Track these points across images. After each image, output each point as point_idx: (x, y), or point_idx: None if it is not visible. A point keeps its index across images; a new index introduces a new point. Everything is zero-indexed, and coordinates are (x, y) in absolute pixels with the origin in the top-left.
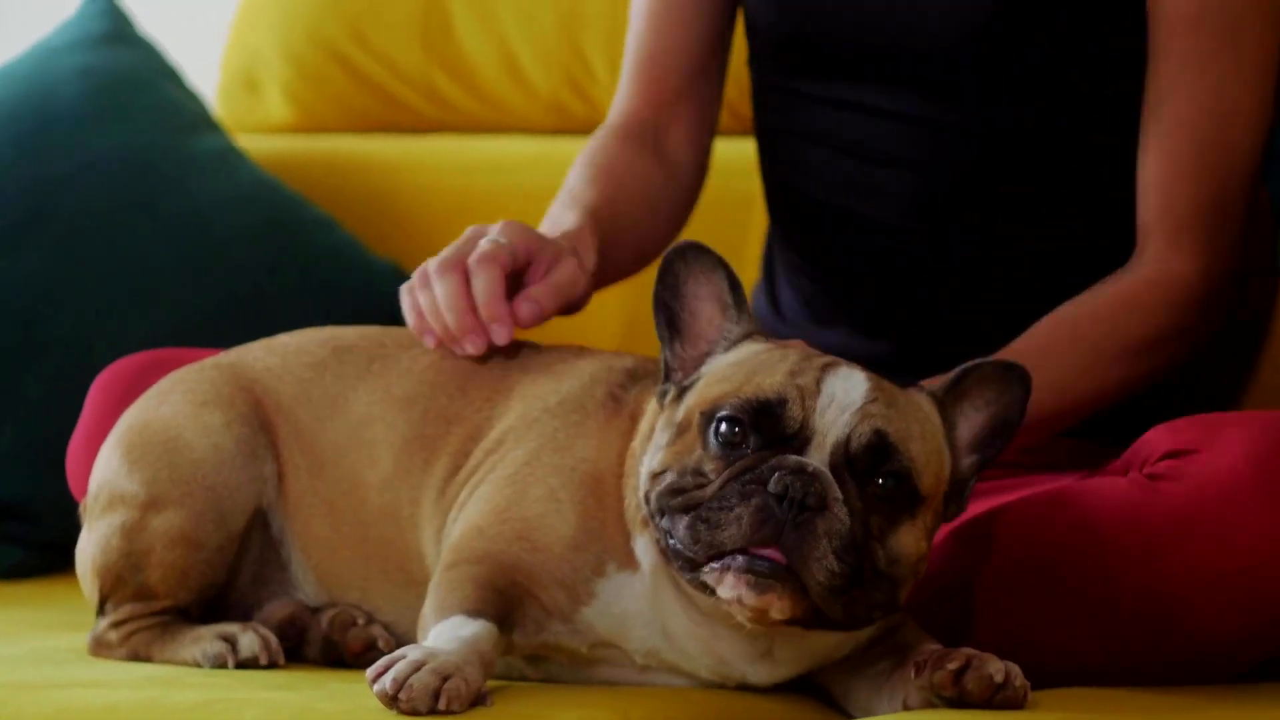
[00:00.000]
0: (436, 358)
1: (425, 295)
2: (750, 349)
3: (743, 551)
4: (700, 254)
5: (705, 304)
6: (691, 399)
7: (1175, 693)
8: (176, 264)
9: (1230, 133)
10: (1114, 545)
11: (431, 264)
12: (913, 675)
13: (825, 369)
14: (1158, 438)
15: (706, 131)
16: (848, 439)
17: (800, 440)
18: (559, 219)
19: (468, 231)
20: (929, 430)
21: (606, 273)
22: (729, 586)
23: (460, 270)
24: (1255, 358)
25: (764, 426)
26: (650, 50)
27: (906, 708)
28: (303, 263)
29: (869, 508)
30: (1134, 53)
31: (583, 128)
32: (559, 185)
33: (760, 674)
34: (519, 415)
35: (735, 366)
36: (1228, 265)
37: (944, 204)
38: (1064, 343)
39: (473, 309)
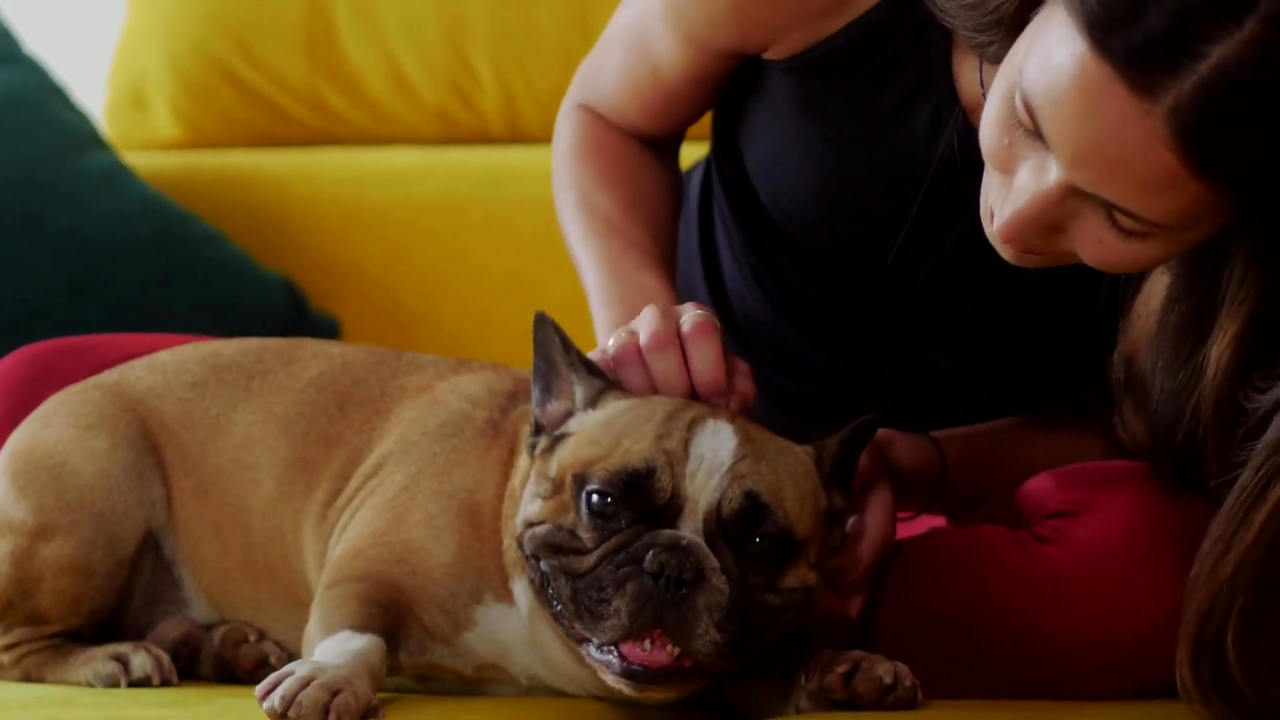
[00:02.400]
0: (315, 374)
1: (636, 372)
2: (615, 406)
3: (622, 645)
4: (541, 324)
5: (562, 364)
6: (565, 454)
7: (1061, 703)
8: (66, 281)
9: None
10: (999, 604)
11: (641, 339)
12: (803, 680)
13: (693, 426)
14: (1046, 490)
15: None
16: (719, 504)
17: (672, 510)
18: (635, 278)
19: (648, 312)
20: (800, 475)
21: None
22: (610, 678)
23: (676, 344)
24: None
25: (634, 499)
26: (634, 83)
27: (799, 711)
28: (193, 278)
29: (748, 568)
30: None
31: (469, 137)
32: (448, 195)
33: (651, 701)
34: (398, 439)
35: (603, 427)
36: None
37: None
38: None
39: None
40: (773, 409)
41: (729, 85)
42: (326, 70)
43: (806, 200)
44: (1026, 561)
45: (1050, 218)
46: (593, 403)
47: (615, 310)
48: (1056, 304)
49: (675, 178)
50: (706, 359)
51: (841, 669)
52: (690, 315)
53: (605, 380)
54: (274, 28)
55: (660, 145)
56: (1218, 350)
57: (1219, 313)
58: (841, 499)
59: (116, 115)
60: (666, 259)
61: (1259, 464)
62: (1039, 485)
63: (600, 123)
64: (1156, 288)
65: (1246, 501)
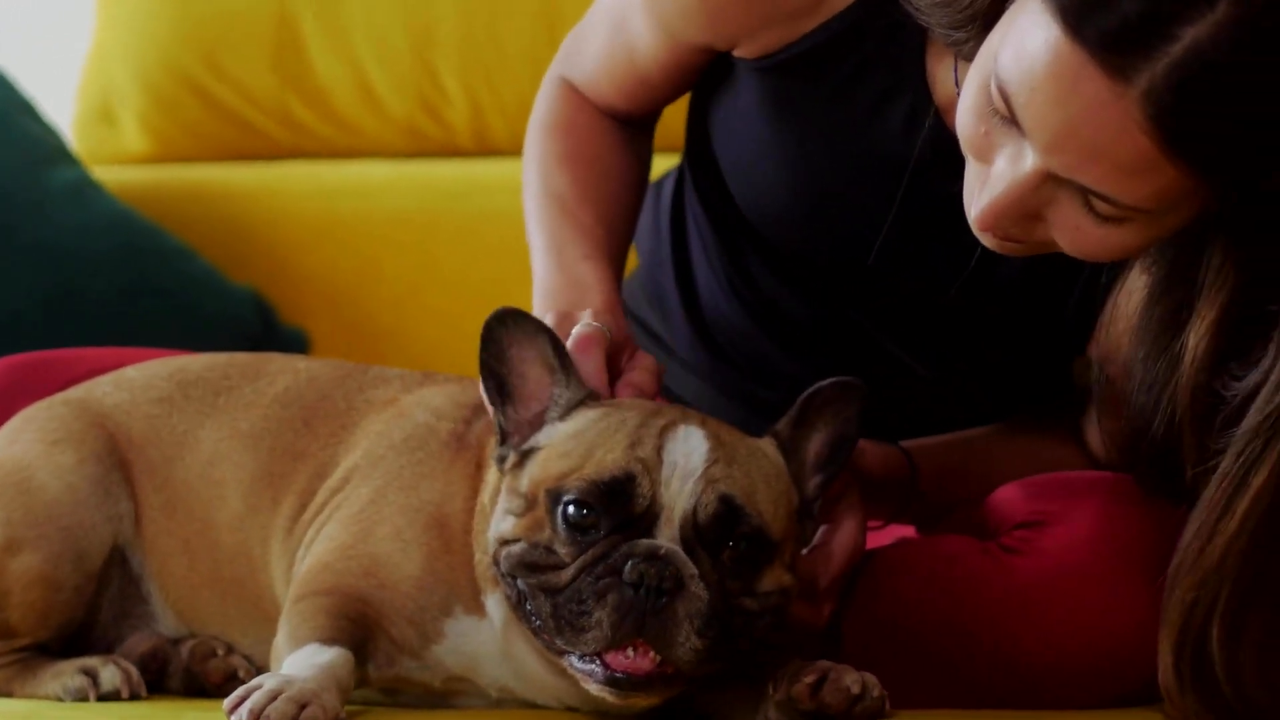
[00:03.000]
0: (281, 389)
1: None
2: (586, 417)
3: (605, 654)
4: (520, 320)
5: (532, 366)
6: (535, 470)
7: (1031, 712)
8: (34, 295)
9: None
10: (966, 615)
11: None
12: (771, 690)
13: (664, 433)
14: (1013, 502)
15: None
16: (695, 510)
17: (649, 518)
18: (575, 269)
19: (549, 317)
20: (772, 475)
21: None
22: (594, 686)
23: None
24: None
25: (612, 509)
26: (615, 73)
27: None
28: (161, 292)
29: (726, 573)
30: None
31: (438, 150)
32: (417, 208)
33: (622, 710)
34: (364, 453)
35: (574, 439)
36: None
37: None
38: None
39: None
40: (748, 416)
41: (702, 88)
42: (295, 84)
43: (783, 202)
44: (995, 572)
45: (1027, 205)
46: (564, 414)
47: (552, 301)
48: (1033, 303)
49: (644, 159)
50: (587, 372)
51: (809, 679)
52: (577, 328)
53: (589, 389)
54: (242, 42)
55: (634, 124)
56: (1195, 337)
57: (1197, 301)
58: (817, 484)
59: (85, 130)
60: (614, 245)
61: (1239, 450)
62: (1006, 496)
63: (575, 98)
64: (1134, 288)
65: (1228, 489)
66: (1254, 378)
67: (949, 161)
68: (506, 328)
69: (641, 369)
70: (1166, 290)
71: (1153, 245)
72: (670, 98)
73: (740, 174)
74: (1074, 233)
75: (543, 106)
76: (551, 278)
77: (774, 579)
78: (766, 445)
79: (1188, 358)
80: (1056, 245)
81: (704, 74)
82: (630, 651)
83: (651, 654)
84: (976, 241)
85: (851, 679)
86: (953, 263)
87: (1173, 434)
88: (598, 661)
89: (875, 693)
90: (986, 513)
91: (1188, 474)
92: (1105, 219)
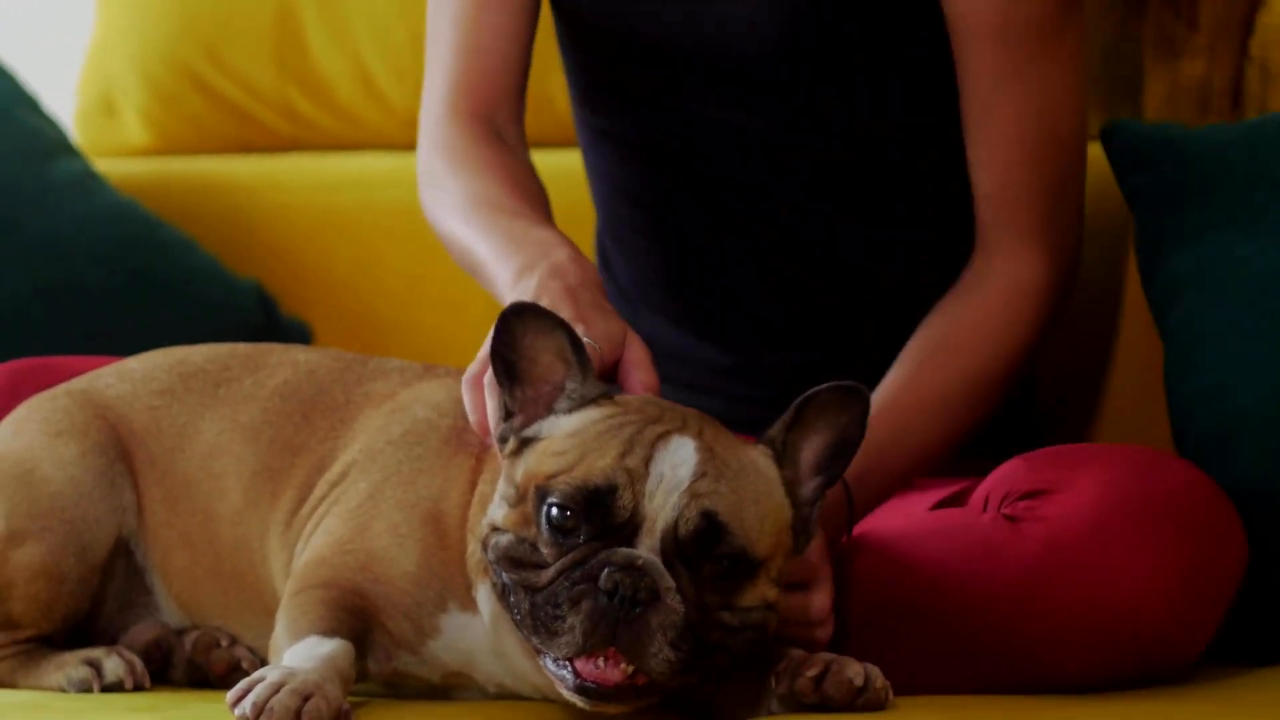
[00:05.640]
0: (280, 382)
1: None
2: (589, 416)
3: (576, 661)
4: (538, 316)
5: (545, 354)
6: (531, 463)
7: (1035, 697)
8: (36, 288)
9: (1058, 127)
10: (974, 586)
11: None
12: (774, 684)
13: (656, 443)
14: (1016, 474)
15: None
16: (676, 524)
17: (630, 528)
18: (530, 235)
19: (538, 284)
20: (763, 490)
21: None
22: (565, 691)
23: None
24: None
25: (593, 516)
26: (473, 44)
27: (770, 714)
28: (163, 284)
29: (704, 588)
30: (941, 61)
31: None
32: (418, 199)
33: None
34: (362, 447)
35: (571, 439)
36: (1075, 255)
37: (766, 215)
38: (933, 397)
39: None
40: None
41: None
42: (296, 76)
43: None
44: (1000, 541)
45: None
46: (572, 409)
47: (516, 260)
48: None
49: (537, 174)
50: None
51: (812, 672)
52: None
53: (604, 387)
54: (243, 34)
55: (512, 132)
56: None
57: None
58: (815, 487)
59: (86, 122)
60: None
61: None
62: (1007, 470)
63: (453, 146)
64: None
65: None
66: None
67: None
68: (523, 321)
69: (639, 367)
70: None
71: None
72: (524, 24)
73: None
74: None
75: (432, 160)
76: (506, 246)
77: (756, 594)
78: (760, 456)
79: None
80: None
81: None
82: (601, 661)
83: (623, 665)
84: None
85: (854, 671)
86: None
87: None
88: (569, 668)
89: (878, 684)
90: (986, 491)
91: None
92: None
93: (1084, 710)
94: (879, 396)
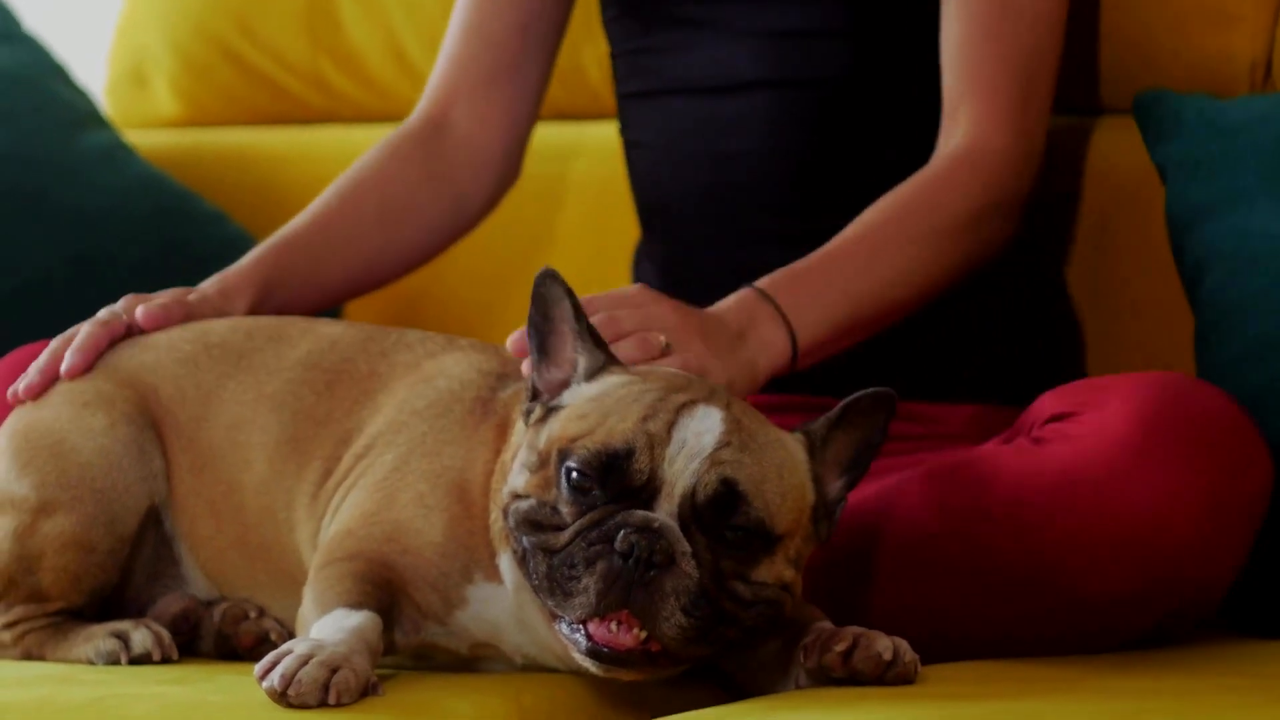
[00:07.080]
0: (303, 353)
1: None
2: (611, 381)
3: (590, 624)
4: (552, 282)
5: (566, 328)
6: (555, 428)
7: (1056, 664)
8: (66, 259)
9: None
10: (1001, 513)
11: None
12: (802, 659)
13: (681, 410)
14: (1044, 403)
15: (525, 115)
16: (694, 489)
17: (649, 491)
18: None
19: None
20: (788, 467)
21: (313, 296)
22: (578, 655)
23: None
24: None
25: (611, 479)
26: (468, 22)
27: (799, 687)
28: (193, 256)
29: (720, 555)
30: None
31: None
32: None
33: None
34: (387, 419)
35: (594, 403)
36: (1039, 134)
37: (801, 132)
38: (892, 235)
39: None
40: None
41: None
42: (327, 48)
43: None
44: (1028, 465)
45: None
46: (590, 376)
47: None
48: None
49: (435, 174)
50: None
51: (840, 647)
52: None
53: (609, 355)
54: (274, 5)
55: (460, 125)
56: None
57: None
58: (841, 486)
59: (117, 93)
60: (285, 240)
61: None
62: (1037, 404)
63: (387, 138)
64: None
65: None
66: None
67: None
68: (546, 287)
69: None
70: None
71: None
72: (520, 27)
73: None
74: None
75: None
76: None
77: (773, 571)
78: (791, 440)
79: None
80: None
81: None
82: (614, 625)
83: (635, 630)
84: None
85: (883, 645)
86: None
87: None
88: (582, 631)
89: (907, 658)
90: (1021, 421)
91: None
92: None
93: (1105, 679)
94: None
